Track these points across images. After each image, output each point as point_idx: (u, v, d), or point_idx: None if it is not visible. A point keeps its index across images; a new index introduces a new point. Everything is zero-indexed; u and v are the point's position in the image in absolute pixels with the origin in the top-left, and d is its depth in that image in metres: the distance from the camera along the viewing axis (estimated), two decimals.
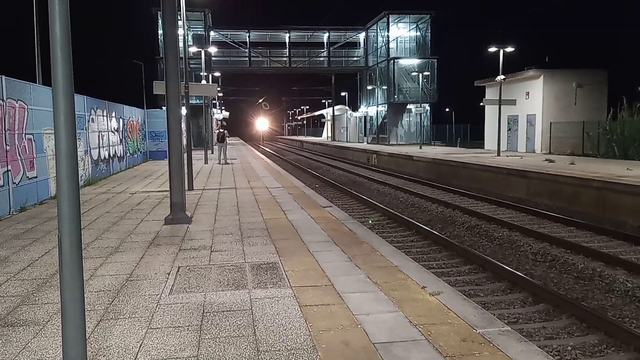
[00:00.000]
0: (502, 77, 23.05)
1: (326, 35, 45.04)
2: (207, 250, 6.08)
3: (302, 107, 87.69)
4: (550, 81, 24.78)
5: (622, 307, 6.09)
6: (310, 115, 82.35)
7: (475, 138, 33.83)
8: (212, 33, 42.49)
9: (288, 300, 4.31)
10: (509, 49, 23.03)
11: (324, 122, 68.06)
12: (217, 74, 40.73)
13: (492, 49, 23.14)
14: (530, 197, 14.66)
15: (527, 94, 25.76)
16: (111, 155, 16.75)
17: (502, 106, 22.82)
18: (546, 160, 18.81)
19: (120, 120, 18.28)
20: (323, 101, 67.82)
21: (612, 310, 5.99)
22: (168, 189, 8.12)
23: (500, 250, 8.89)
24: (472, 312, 3.98)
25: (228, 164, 20.67)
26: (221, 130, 23.11)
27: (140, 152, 21.94)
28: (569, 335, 5.28)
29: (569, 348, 4.95)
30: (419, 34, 41.90)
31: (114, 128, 17.32)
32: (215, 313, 4.03)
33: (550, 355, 4.66)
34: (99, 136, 15.22)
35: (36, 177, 10.23)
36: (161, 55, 38.02)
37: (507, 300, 6.32)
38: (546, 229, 10.35)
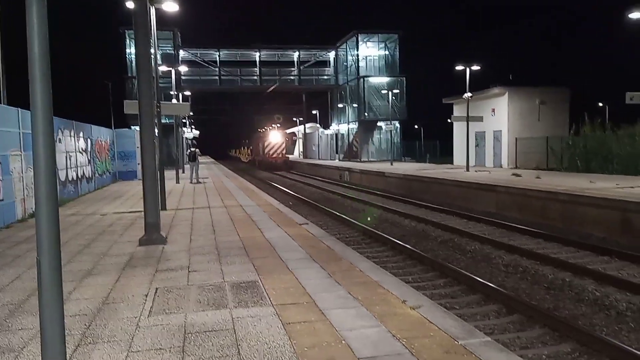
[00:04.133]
0: (469, 94, 23.82)
1: (296, 54, 45.54)
2: (185, 271, 5.99)
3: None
4: (515, 98, 25.77)
5: (592, 315, 6.31)
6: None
7: (445, 154, 34.63)
8: (181, 52, 42.34)
9: (270, 318, 4.30)
10: (475, 68, 23.89)
11: (295, 140, 67.80)
12: (187, 93, 40.47)
13: (459, 67, 23.94)
14: (499, 211, 15.07)
15: (493, 110, 26.67)
16: (79, 176, 16.32)
17: (469, 123, 23.53)
18: (513, 174, 19.43)
19: (88, 140, 17.88)
20: (294, 119, 68.15)
21: (583, 319, 6.19)
22: (140, 209, 8.00)
23: (473, 263, 9.09)
24: (452, 324, 4.06)
25: (200, 183, 20.44)
26: (192, 149, 22.91)
27: (109, 172, 21.45)
28: (542, 344, 5.43)
29: (544, 357, 5.10)
30: (387, 52, 42.93)
31: (82, 148, 16.92)
32: (197, 334, 3.98)
33: None
34: (66, 157, 14.83)
35: (2, 199, 9.87)
36: (130, 75, 37.57)
37: (482, 311, 6.45)
38: (516, 241, 10.66)
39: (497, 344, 3.72)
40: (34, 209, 3.16)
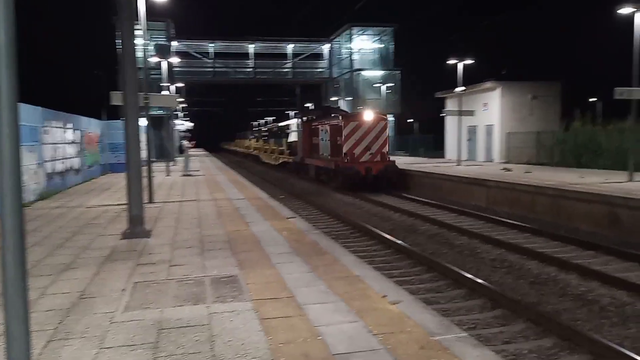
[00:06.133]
0: (462, 88, 23.77)
1: (290, 46, 45.29)
2: (166, 265, 5.92)
3: (266, 118, 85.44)
4: (507, 93, 25.75)
5: (575, 310, 6.31)
6: (274, 126, 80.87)
7: (439, 148, 34.65)
8: (175, 43, 41.93)
9: (248, 313, 4.24)
10: (468, 62, 23.82)
11: (288, 133, 65.51)
12: (180, 84, 40.18)
13: (452, 62, 23.87)
14: (489, 205, 15.09)
15: (486, 105, 26.65)
16: (67, 168, 16.15)
17: (462, 117, 23.48)
18: (504, 169, 19.44)
19: (78, 131, 17.69)
20: (287, 112, 67.83)
21: (566, 313, 6.20)
22: (127, 202, 7.89)
23: (460, 257, 9.08)
24: (430, 320, 4.03)
25: (191, 175, 20.32)
26: (184, 141, 22.78)
27: (99, 164, 21.26)
28: (525, 339, 5.42)
29: (525, 352, 5.09)
30: (382, 46, 42.79)
31: (71, 140, 16.73)
32: (172, 329, 3.92)
33: (506, 359, 4.79)
34: (54, 148, 14.66)
35: None
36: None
37: (466, 306, 6.44)
38: (504, 235, 10.67)
39: (473, 339, 3.70)
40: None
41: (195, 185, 16.13)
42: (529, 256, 8.74)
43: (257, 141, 47.46)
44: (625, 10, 13.94)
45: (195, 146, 52.59)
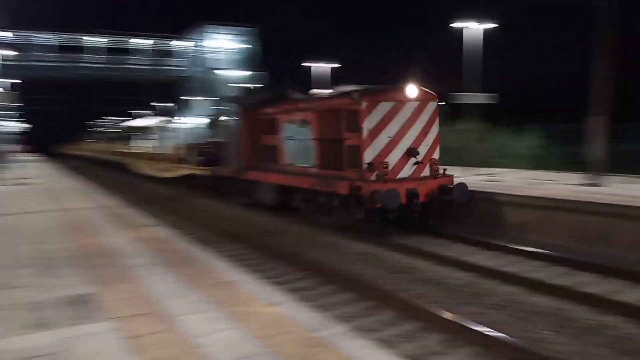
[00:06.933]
0: (328, 91, 24.76)
1: (145, 42, 42.29)
2: None
3: (111, 118, 76.22)
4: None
5: (435, 294, 6.85)
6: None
7: None
8: (6, 33, 35.81)
9: (110, 334, 3.73)
10: (329, 65, 24.96)
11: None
12: (13, 80, 34.36)
13: (308, 64, 24.77)
14: None
15: None
16: None
17: None
18: None
19: None
20: (129, 111, 62.50)
21: (427, 297, 6.69)
22: None
23: (326, 252, 9.36)
24: (311, 317, 4.03)
25: (26, 184, 17.58)
26: (12, 145, 19.61)
27: None
28: (393, 325, 5.72)
29: (394, 337, 5.39)
30: (244, 46, 42.59)
31: None
32: None
33: (379, 346, 5.01)
34: None
35: None
36: None
37: (339, 300, 6.60)
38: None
39: (352, 332, 3.79)
40: None
41: (33, 195, 13.97)
42: (384, 247, 9.40)
43: (123, 144, 37.24)
44: (457, 25, 15.98)
45: (32, 151, 45.73)
